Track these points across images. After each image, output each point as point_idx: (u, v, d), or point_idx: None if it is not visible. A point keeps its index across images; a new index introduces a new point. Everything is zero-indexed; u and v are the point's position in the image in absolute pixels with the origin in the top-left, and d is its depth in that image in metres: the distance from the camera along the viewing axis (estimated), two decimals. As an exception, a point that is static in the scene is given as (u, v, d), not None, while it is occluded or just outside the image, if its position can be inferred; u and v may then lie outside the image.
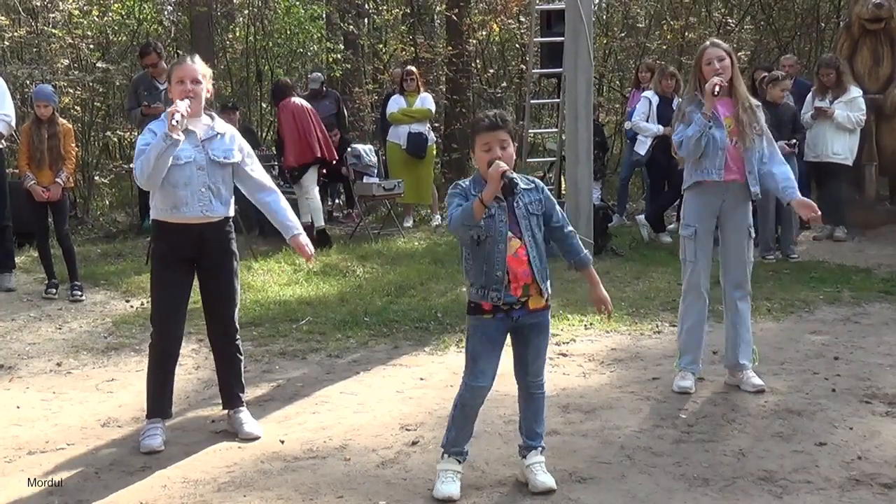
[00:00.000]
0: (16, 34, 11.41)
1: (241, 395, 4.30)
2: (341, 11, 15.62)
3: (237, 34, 16.27)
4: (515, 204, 3.39)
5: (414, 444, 4.02)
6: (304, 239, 4.25)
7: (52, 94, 7.42)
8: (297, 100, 9.43)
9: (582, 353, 5.44)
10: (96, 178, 11.70)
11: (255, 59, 15.63)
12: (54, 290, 7.25)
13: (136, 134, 8.75)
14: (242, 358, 4.32)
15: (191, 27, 14.42)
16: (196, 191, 4.00)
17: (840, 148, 8.68)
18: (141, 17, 13.56)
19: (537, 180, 3.57)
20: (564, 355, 5.39)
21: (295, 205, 9.29)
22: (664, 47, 14.52)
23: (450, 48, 14.00)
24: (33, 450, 4.09)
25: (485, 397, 3.52)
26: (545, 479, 3.48)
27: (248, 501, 3.50)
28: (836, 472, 3.64)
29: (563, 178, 9.54)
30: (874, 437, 4.00)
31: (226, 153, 4.10)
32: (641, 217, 9.28)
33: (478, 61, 14.94)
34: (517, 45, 15.11)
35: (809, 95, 8.87)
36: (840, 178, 8.89)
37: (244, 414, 4.26)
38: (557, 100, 10.16)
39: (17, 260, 7.85)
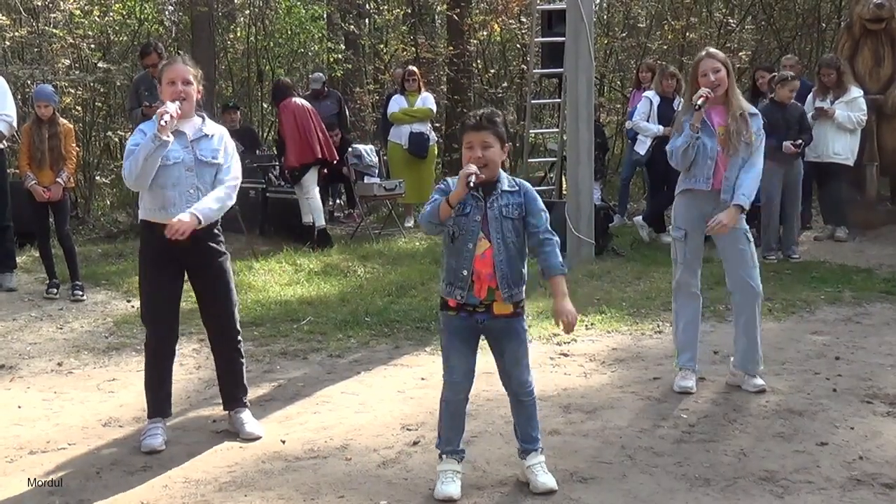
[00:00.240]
0: (17, 34, 11.41)
1: (242, 396, 4.30)
2: (342, 11, 15.62)
3: (238, 34, 16.28)
4: (489, 205, 3.38)
5: (415, 443, 4.02)
6: (185, 216, 3.91)
7: (53, 95, 7.42)
8: (297, 100, 9.43)
9: (583, 352, 5.44)
10: (97, 178, 11.71)
11: (255, 60, 15.63)
12: (55, 290, 7.26)
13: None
14: (244, 360, 4.32)
15: (192, 27, 14.41)
16: (184, 192, 4.00)
17: (841, 148, 8.67)
18: (142, 17, 13.55)
19: (525, 184, 3.49)
20: (566, 355, 5.40)
21: (296, 205, 9.34)
22: (665, 47, 14.52)
23: (451, 48, 14.00)
24: (34, 449, 4.09)
25: (464, 393, 3.54)
26: (546, 479, 3.48)
27: (250, 501, 3.50)
28: (838, 472, 3.64)
29: (563, 179, 9.55)
30: (875, 437, 4.00)
31: (213, 153, 4.09)
32: (639, 218, 9.28)
33: (479, 61, 14.94)
34: (518, 46, 15.11)
35: (810, 96, 8.86)
36: (841, 179, 8.88)
37: (245, 414, 4.26)
38: (558, 100, 10.17)
39: (18, 260, 7.85)
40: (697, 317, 4.80)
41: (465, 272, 3.38)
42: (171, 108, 3.89)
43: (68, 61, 11.48)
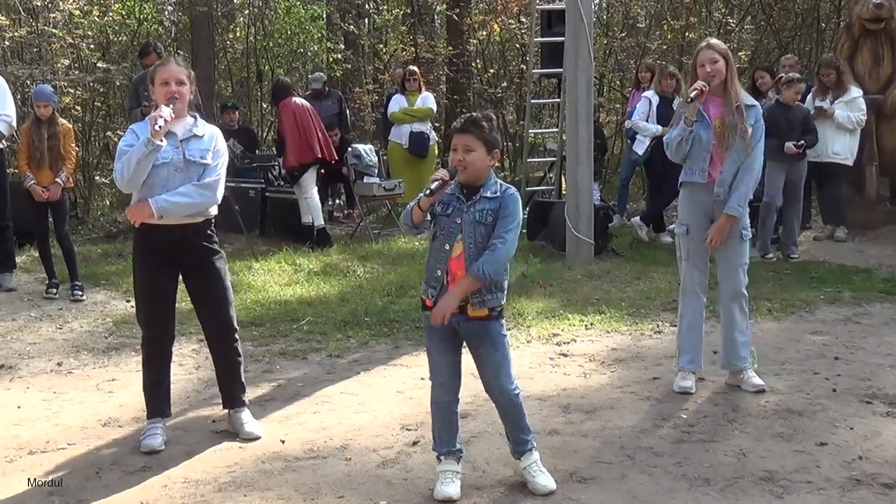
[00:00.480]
0: (16, 34, 11.40)
1: (241, 395, 4.30)
2: (342, 11, 15.64)
3: (237, 34, 16.29)
4: (467, 209, 3.38)
5: (415, 444, 4.02)
6: (143, 203, 3.92)
7: (52, 94, 7.42)
8: (297, 99, 9.43)
9: (583, 353, 5.44)
10: (97, 178, 11.72)
11: (255, 59, 15.65)
12: (55, 290, 7.26)
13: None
14: (241, 360, 4.31)
15: (191, 27, 14.42)
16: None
17: (840, 148, 8.67)
18: (141, 17, 13.56)
19: (508, 193, 3.40)
20: (565, 355, 5.39)
21: (296, 205, 9.34)
22: (664, 47, 14.52)
23: (450, 48, 14.01)
24: (34, 450, 4.09)
25: (453, 394, 3.54)
26: (545, 481, 3.49)
27: (249, 501, 3.50)
28: (837, 472, 3.64)
29: (563, 179, 9.55)
30: (875, 437, 4.00)
31: (202, 153, 4.06)
32: (636, 219, 9.28)
33: (478, 61, 14.94)
34: (517, 45, 15.10)
35: (810, 96, 8.86)
36: (840, 179, 8.89)
37: (245, 414, 4.26)
38: (558, 100, 10.16)
39: (17, 260, 7.85)
40: (701, 317, 4.77)
41: (439, 272, 3.40)
42: (165, 112, 3.89)
43: (68, 61, 11.47)
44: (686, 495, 3.46)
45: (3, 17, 11.17)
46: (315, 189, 9.36)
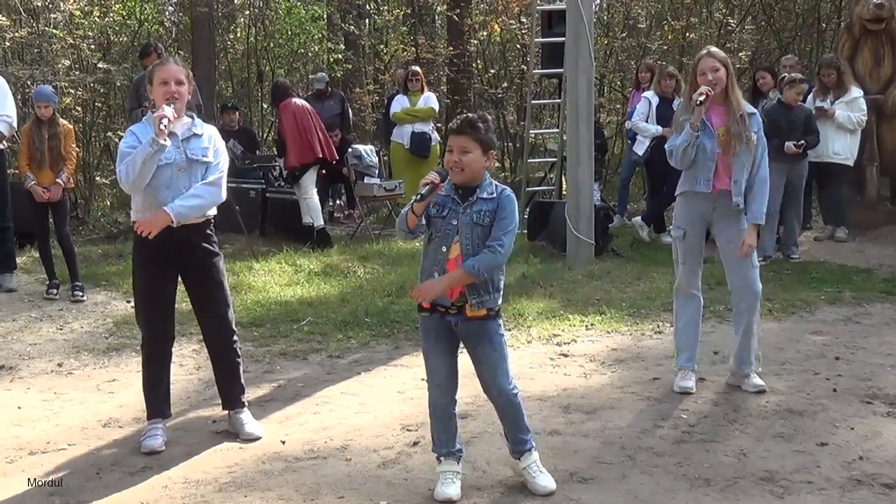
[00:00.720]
0: (17, 35, 11.42)
1: (241, 396, 4.30)
2: (342, 12, 15.65)
3: (238, 35, 16.30)
4: (463, 211, 3.37)
5: (415, 444, 4.02)
6: (160, 214, 3.91)
7: (53, 95, 7.42)
8: (297, 100, 9.44)
9: (583, 353, 5.44)
10: (97, 178, 11.73)
11: (255, 60, 15.65)
12: (55, 291, 7.26)
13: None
14: (240, 360, 4.32)
15: (192, 28, 14.42)
16: (178, 193, 3.99)
17: (841, 148, 8.67)
18: (142, 17, 13.58)
19: (505, 194, 3.42)
20: (565, 356, 5.39)
21: (296, 206, 9.34)
22: (665, 48, 14.52)
23: (451, 49, 14.01)
24: (34, 450, 4.09)
25: (450, 396, 3.53)
26: (545, 481, 3.49)
27: (250, 502, 3.50)
28: (838, 472, 3.64)
29: (563, 179, 9.55)
30: (875, 438, 4.00)
31: (203, 151, 4.08)
32: (637, 219, 9.28)
33: (479, 62, 14.94)
34: (518, 46, 15.10)
35: (810, 96, 8.86)
36: (841, 179, 8.88)
37: (245, 414, 4.26)
38: (558, 100, 10.17)
39: (18, 260, 7.85)
40: (697, 317, 4.80)
41: (436, 274, 3.39)
42: (168, 111, 3.89)
43: (68, 62, 11.48)
44: (686, 495, 3.46)
45: (3, 18, 11.18)
46: (315, 190, 9.36)
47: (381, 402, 4.65)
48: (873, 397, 4.53)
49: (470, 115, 3.46)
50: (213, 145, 4.13)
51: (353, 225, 10.71)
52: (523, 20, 13.96)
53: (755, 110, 4.69)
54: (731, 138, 4.50)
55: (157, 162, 3.93)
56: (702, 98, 4.42)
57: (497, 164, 13.84)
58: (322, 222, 9.38)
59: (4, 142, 7.56)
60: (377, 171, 10.66)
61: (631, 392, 4.71)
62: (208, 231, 4.16)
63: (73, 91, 11.27)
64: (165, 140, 3.87)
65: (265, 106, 15.80)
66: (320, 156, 9.19)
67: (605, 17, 16.12)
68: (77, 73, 11.42)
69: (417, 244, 9.25)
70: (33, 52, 12.15)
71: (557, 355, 5.39)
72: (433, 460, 3.61)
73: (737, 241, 4.57)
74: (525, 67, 13.01)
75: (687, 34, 13.86)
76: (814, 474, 3.62)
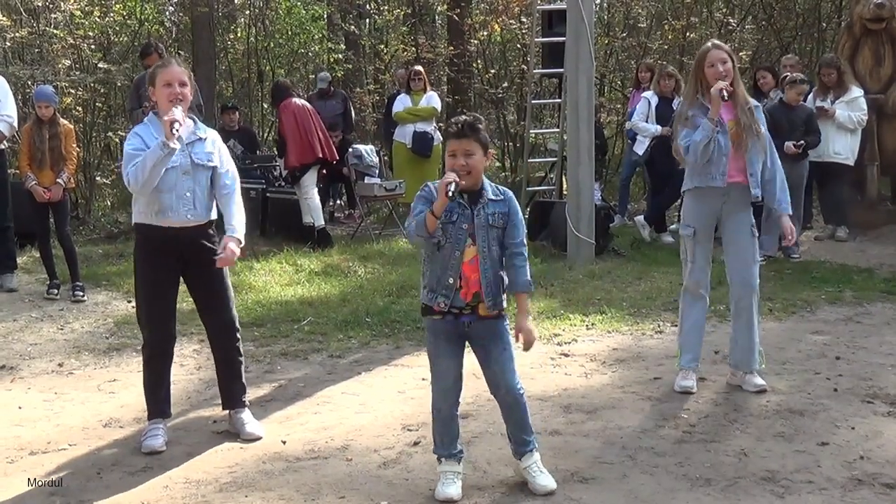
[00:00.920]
0: (17, 35, 11.41)
1: (242, 396, 4.30)
2: (342, 12, 15.64)
3: (238, 35, 16.30)
4: (476, 213, 3.38)
5: (415, 444, 4.02)
6: (233, 245, 4.06)
7: (53, 95, 7.43)
8: (297, 100, 9.45)
9: (584, 353, 5.44)
10: (98, 178, 11.73)
11: (256, 60, 15.65)
12: (56, 291, 7.26)
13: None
14: (243, 360, 4.32)
15: (192, 28, 14.43)
16: (181, 195, 4.00)
17: (841, 148, 8.67)
18: (142, 17, 13.58)
19: (509, 193, 3.48)
20: (566, 355, 5.39)
21: (296, 206, 9.34)
22: (665, 47, 14.51)
23: (451, 48, 13.99)
24: (35, 450, 4.09)
25: (455, 398, 3.53)
26: (545, 481, 3.48)
27: (250, 502, 3.50)
28: (838, 472, 3.64)
29: (564, 179, 9.55)
30: (876, 437, 4.00)
31: (208, 156, 4.09)
32: (640, 218, 9.29)
33: (479, 62, 14.93)
34: (518, 46, 15.09)
35: (811, 96, 8.86)
36: (841, 179, 8.88)
37: (246, 414, 4.26)
38: (559, 100, 10.15)
39: (18, 260, 7.86)
40: (703, 318, 4.78)
41: (451, 280, 3.38)
42: (178, 114, 3.88)
43: (69, 62, 11.48)
44: (687, 495, 3.46)
45: (4, 18, 11.18)
46: (315, 190, 9.36)
47: (381, 401, 4.65)
48: (874, 397, 4.53)
49: (467, 117, 3.44)
50: (217, 150, 4.14)
51: (354, 225, 10.71)
52: (523, 20, 13.94)
53: (756, 102, 4.70)
54: (742, 131, 4.50)
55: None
56: (725, 91, 4.39)
57: (497, 164, 13.84)
58: (323, 222, 9.38)
59: (5, 142, 7.57)
60: (377, 171, 10.66)
61: (632, 392, 4.71)
62: (209, 230, 4.17)
63: (73, 91, 11.28)
64: (176, 144, 3.87)
65: (265, 106, 15.79)
66: (320, 156, 9.19)
67: (606, 17, 16.11)
68: (77, 73, 11.43)
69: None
70: (34, 52, 12.15)
71: (558, 355, 5.39)
72: (434, 460, 3.61)
73: (743, 232, 4.58)
74: (525, 67, 13.01)
75: (687, 34, 13.85)
76: (815, 474, 3.62)
